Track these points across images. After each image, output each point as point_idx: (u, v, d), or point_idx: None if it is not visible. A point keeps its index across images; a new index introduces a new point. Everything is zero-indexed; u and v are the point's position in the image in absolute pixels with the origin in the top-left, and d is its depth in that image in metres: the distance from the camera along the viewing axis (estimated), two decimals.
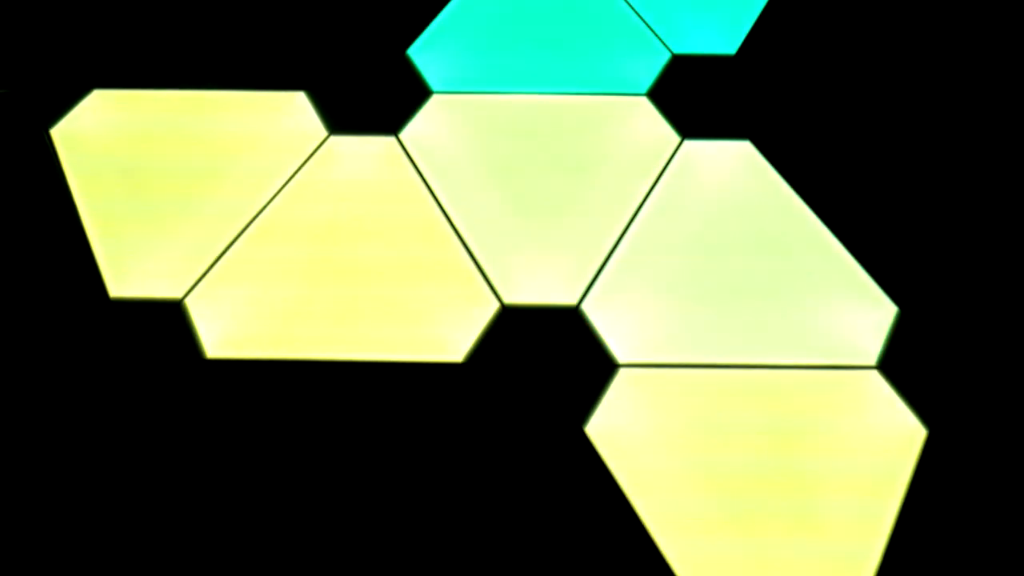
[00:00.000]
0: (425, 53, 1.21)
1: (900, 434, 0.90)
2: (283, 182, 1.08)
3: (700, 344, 0.96)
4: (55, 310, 0.99)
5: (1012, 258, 1.02)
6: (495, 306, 0.99)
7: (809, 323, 0.97)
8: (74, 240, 1.04)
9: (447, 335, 0.97)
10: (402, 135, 1.12)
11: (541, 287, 1.00)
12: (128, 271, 1.02)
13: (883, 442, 0.89)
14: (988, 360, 0.95)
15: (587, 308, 0.98)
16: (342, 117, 1.14)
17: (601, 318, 0.98)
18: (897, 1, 1.26)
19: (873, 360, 0.94)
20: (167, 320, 0.98)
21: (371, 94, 1.17)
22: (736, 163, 1.10)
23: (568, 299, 0.99)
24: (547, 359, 0.95)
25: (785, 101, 1.16)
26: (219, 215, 1.06)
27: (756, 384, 0.93)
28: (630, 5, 1.25)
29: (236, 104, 1.16)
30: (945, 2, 1.26)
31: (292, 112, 1.15)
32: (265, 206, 1.06)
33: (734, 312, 0.98)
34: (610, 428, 0.90)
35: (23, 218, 1.07)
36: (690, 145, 1.11)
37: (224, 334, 0.97)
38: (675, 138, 1.12)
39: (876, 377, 0.93)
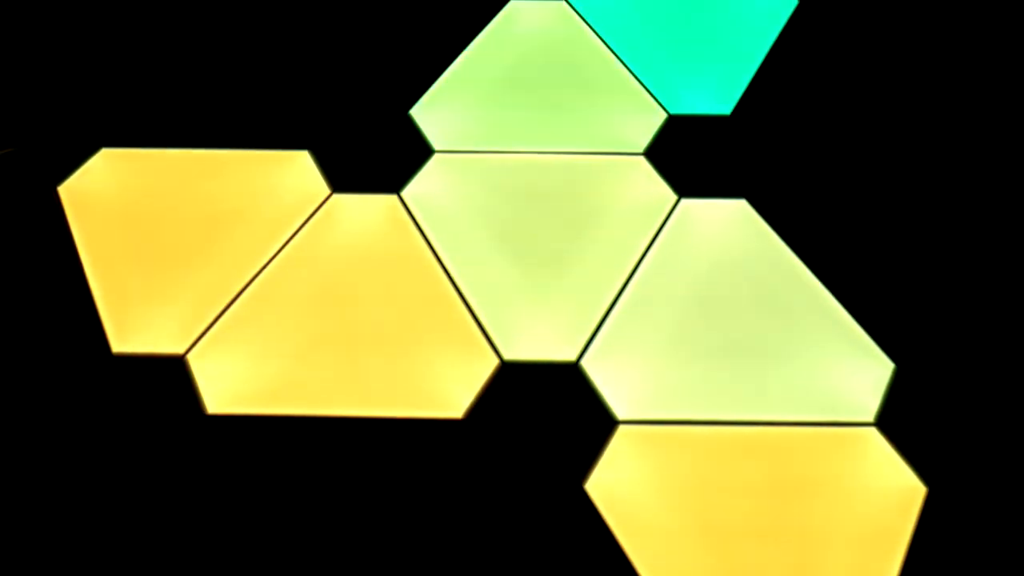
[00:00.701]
0: (427, 113, 1.23)
1: (900, 492, 0.90)
2: (286, 239, 1.10)
3: (699, 401, 0.97)
4: (58, 365, 1.00)
5: (1007, 315, 1.03)
6: (495, 362, 0.99)
7: (807, 380, 0.98)
8: (78, 296, 1.05)
9: (447, 391, 0.97)
10: (404, 193, 1.14)
11: (540, 343, 1.01)
12: (131, 327, 1.03)
13: (883, 500, 0.89)
14: (986, 416, 0.95)
15: (586, 364, 0.99)
16: (345, 176, 1.16)
17: (600, 374, 0.98)
18: (889, 62, 1.30)
19: (871, 417, 0.95)
20: (168, 376, 0.99)
21: (374, 153, 1.19)
22: (732, 221, 1.12)
23: (567, 355, 1.00)
24: (547, 415, 0.96)
25: (780, 161, 1.18)
26: (222, 272, 1.07)
27: (755, 441, 0.94)
28: (627, 67, 1.28)
29: (241, 163, 1.18)
30: (936, 63, 1.29)
31: (296, 171, 1.17)
32: (268, 263, 1.08)
33: (732, 369, 0.99)
34: (610, 485, 0.90)
35: (29, 274, 1.08)
36: (687, 203, 1.13)
37: (225, 390, 0.97)
38: (672, 197, 1.14)
39: (875, 434, 0.93)
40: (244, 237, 1.10)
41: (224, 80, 1.29)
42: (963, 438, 0.94)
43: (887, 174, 1.16)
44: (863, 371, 0.98)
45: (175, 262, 1.08)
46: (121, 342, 1.02)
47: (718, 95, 1.25)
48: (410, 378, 0.98)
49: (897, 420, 0.95)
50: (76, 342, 1.02)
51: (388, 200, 1.14)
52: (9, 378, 0.99)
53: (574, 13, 1.37)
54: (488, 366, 0.99)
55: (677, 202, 1.13)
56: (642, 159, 1.18)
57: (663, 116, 1.22)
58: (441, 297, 1.05)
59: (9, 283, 1.07)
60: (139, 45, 1.33)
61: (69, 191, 1.15)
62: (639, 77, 1.27)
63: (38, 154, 1.19)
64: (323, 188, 1.15)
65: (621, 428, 0.94)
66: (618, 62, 1.29)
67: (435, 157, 1.18)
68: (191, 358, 1.00)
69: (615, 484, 0.90)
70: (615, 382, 0.98)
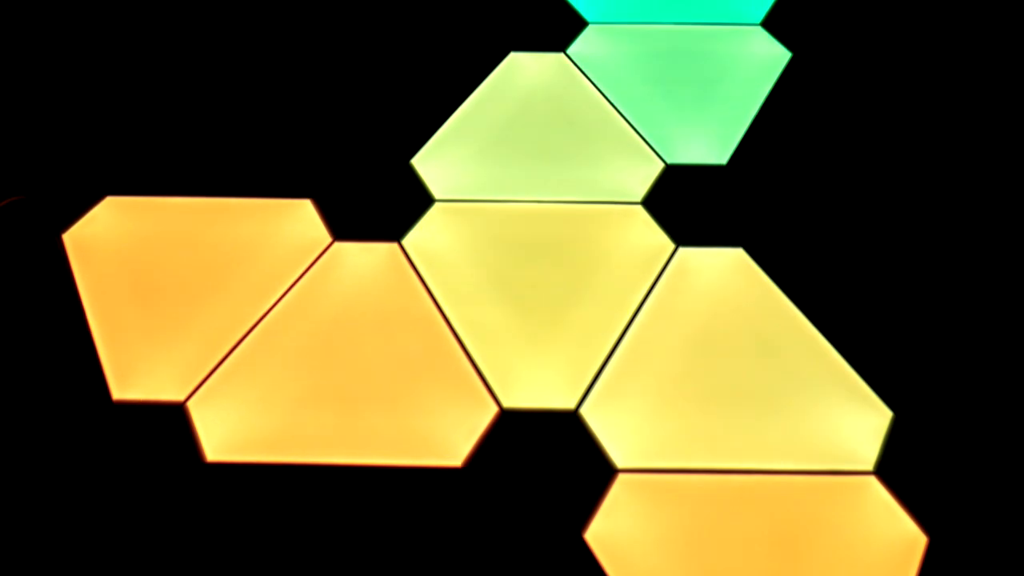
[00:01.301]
0: (428, 162, 1.25)
1: (900, 541, 0.89)
2: (287, 287, 1.11)
3: (698, 449, 0.97)
4: (58, 412, 1.00)
5: (1005, 361, 1.04)
6: (494, 410, 1.00)
7: (805, 429, 0.98)
8: (80, 343, 1.06)
9: (446, 439, 0.97)
10: (405, 241, 1.16)
11: (540, 391, 1.01)
12: (132, 374, 1.03)
13: (884, 549, 0.89)
14: (986, 464, 0.95)
15: (585, 412, 0.99)
16: (347, 224, 1.18)
17: (599, 422, 0.99)
18: (882, 113, 1.32)
19: (870, 466, 0.95)
20: (168, 423, 0.99)
21: (375, 202, 1.20)
22: (730, 269, 1.13)
23: (566, 403, 1.00)
24: (546, 463, 0.96)
25: (776, 210, 1.20)
26: (223, 319, 1.08)
27: (754, 489, 0.94)
28: (625, 119, 1.31)
29: (245, 211, 1.20)
30: (928, 114, 1.32)
31: (298, 219, 1.18)
32: (269, 310, 1.09)
33: (731, 417, 0.99)
34: (609, 534, 0.90)
35: (32, 321, 1.08)
36: (685, 252, 1.14)
37: (224, 438, 0.98)
38: (670, 245, 1.15)
39: (874, 483, 0.93)
40: (246, 285, 1.11)
41: (229, 129, 1.31)
42: (963, 486, 0.94)
43: (883, 222, 1.18)
44: (862, 419, 0.99)
45: (177, 310, 1.09)
46: (121, 389, 1.02)
47: (714, 146, 1.27)
48: (409, 426, 0.99)
49: (896, 469, 0.95)
50: (76, 390, 1.02)
51: (389, 248, 1.15)
52: (9, 424, 0.99)
53: (572, 66, 1.39)
54: (487, 414, 0.99)
55: (675, 250, 1.14)
56: (640, 208, 1.19)
57: (660, 166, 1.24)
58: (441, 344, 1.05)
59: (12, 330, 1.08)
60: (145, 94, 1.36)
61: (73, 238, 1.17)
62: (636, 128, 1.29)
63: (44, 202, 1.21)
64: (325, 236, 1.16)
65: (620, 477, 0.94)
66: (616, 113, 1.31)
67: (436, 206, 1.20)
68: (191, 405, 1.00)
69: (615, 533, 0.90)
70: (614, 430, 0.98)
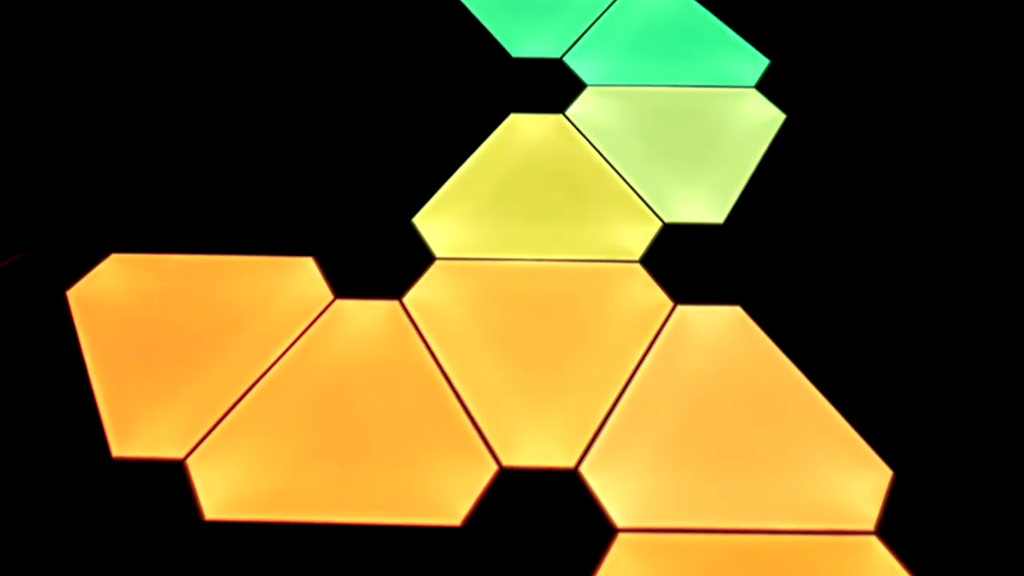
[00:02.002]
0: (429, 221, 1.27)
1: None
2: (288, 344, 1.12)
3: (698, 508, 0.96)
4: (57, 469, 1.00)
5: (1005, 420, 1.04)
6: (493, 468, 1.00)
7: (805, 487, 0.98)
8: (81, 400, 1.06)
9: (445, 498, 0.97)
10: (405, 299, 1.17)
11: (539, 449, 1.01)
12: (132, 431, 1.03)
13: None
14: (988, 523, 0.95)
15: (585, 471, 0.99)
16: (348, 281, 1.19)
17: (599, 481, 0.98)
18: (876, 172, 1.34)
19: (871, 525, 0.94)
20: (167, 481, 0.99)
21: (377, 259, 1.22)
22: (728, 328, 1.14)
23: (566, 462, 1.00)
24: (546, 522, 0.95)
25: (773, 268, 1.21)
26: (224, 376, 1.08)
27: (754, 549, 0.93)
28: (623, 178, 1.33)
29: (247, 268, 1.21)
30: (922, 173, 1.34)
31: (300, 277, 1.19)
32: (269, 368, 1.09)
33: (731, 476, 0.99)
34: None
35: (34, 378, 1.09)
36: (683, 310, 1.15)
37: (223, 495, 0.97)
38: (668, 303, 1.16)
39: (875, 543, 0.93)
40: (247, 342, 1.12)
41: (233, 187, 1.33)
42: (964, 545, 0.93)
43: (879, 280, 1.19)
44: (861, 478, 0.99)
45: (178, 366, 1.10)
46: (121, 446, 1.02)
47: (711, 205, 1.29)
48: (408, 484, 0.98)
49: (897, 528, 0.94)
50: (76, 446, 1.02)
51: (390, 305, 1.16)
52: (8, 480, 0.99)
53: (571, 126, 1.42)
54: (487, 472, 0.99)
55: (673, 308, 1.15)
56: (638, 266, 1.21)
57: (658, 225, 1.26)
58: (440, 402, 1.06)
59: (14, 387, 1.08)
60: (151, 152, 1.38)
61: (77, 295, 1.18)
62: (634, 187, 1.31)
63: (50, 259, 1.22)
64: (327, 293, 1.17)
65: (620, 536, 0.94)
66: (614, 173, 1.34)
67: (436, 264, 1.21)
68: (190, 463, 1.00)
69: None
70: (614, 489, 0.98)
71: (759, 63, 1.54)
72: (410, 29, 1.63)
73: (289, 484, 0.99)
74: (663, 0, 1.70)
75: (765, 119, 1.44)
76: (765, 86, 1.50)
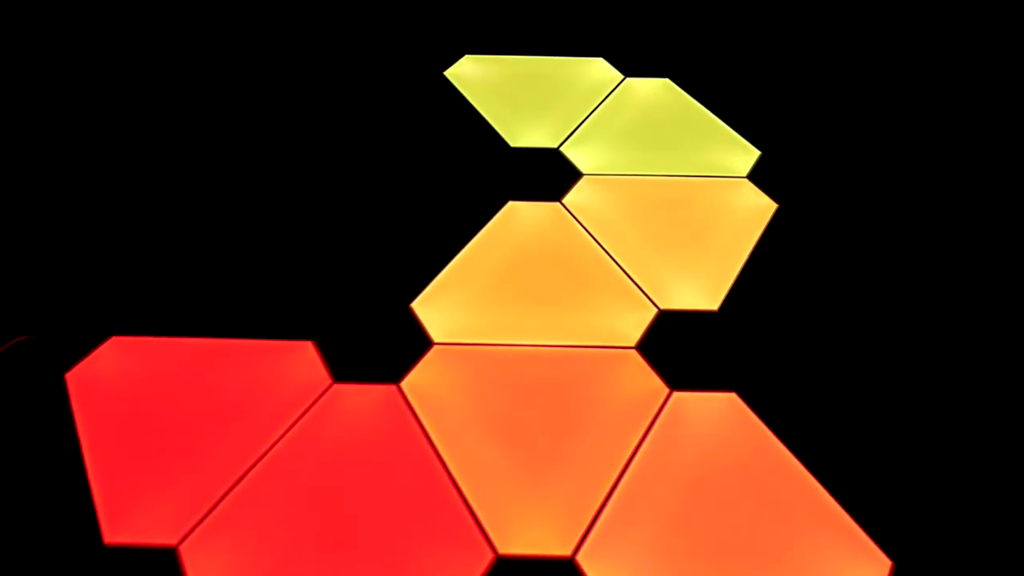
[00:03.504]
0: (428, 306, 1.29)
1: None
2: (285, 429, 1.12)
3: None
4: (48, 555, 0.99)
5: (1005, 511, 1.04)
6: (489, 556, 0.99)
7: None
8: (75, 484, 1.06)
9: None
10: (403, 384, 1.17)
11: (535, 537, 1.00)
12: (125, 516, 1.03)
13: None
14: None
15: (582, 559, 0.98)
16: (347, 366, 1.20)
17: (596, 569, 0.97)
18: (866, 259, 1.37)
19: None
20: (159, 568, 0.98)
21: (375, 344, 1.23)
22: (723, 414, 1.14)
23: (562, 550, 0.99)
24: None
25: (767, 355, 1.22)
26: (220, 461, 1.08)
27: None
28: (619, 265, 1.35)
29: (247, 352, 1.22)
30: (911, 258, 1.36)
31: (299, 361, 1.20)
32: (265, 453, 1.09)
33: (728, 565, 0.98)
34: None
35: (29, 462, 1.09)
36: (679, 396, 1.16)
37: None
38: (664, 389, 1.17)
39: None
40: (244, 426, 1.12)
41: (234, 272, 1.35)
42: None
43: (874, 366, 1.20)
44: (860, 569, 0.98)
45: (174, 451, 1.09)
46: (113, 532, 1.01)
47: (705, 292, 1.31)
48: (404, 572, 0.97)
49: None
50: (68, 532, 1.01)
51: (387, 390, 1.17)
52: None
53: (568, 214, 1.45)
54: (483, 560, 0.98)
55: (669, 395, 1.16)
56: (634, 352, 1.22)
57: (653, 311, 1.28)
58: (437, 487, 1.05)
59: (9, 471, 1.08)
60: (154, 237, 1.41)
61: (76, 378, 1.18)
62: (630, 274, 1.34)
63: (50, 341, 1.23)
64: (324, 377, 1.18)
65: None
66: (610, 260, 1.36)
67: (434, 349, 1.22)
68: (183, 549, 0.99)
69: None
70: None
71: (751, 154, 1.59)
72: (413, 119, 1.68)
73: (282, 572, 0.97)
74: (656, 93, 1.76)
75: (757, 208, 1.47)
76: (757, 176, 1.54)
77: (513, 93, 1.75)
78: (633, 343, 1.23)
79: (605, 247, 1.39)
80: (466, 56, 1.87)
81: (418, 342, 1.23)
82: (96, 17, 1.99)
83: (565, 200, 1.48)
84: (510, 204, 1.47)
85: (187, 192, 1.50)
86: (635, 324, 1.26)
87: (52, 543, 1.00)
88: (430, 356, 1.21)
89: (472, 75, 1.81)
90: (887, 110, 1.71)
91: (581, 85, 1.78)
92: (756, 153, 1.59)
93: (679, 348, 1.23)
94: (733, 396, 1.16)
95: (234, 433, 1.11)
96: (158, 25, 1.97)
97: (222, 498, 1.04)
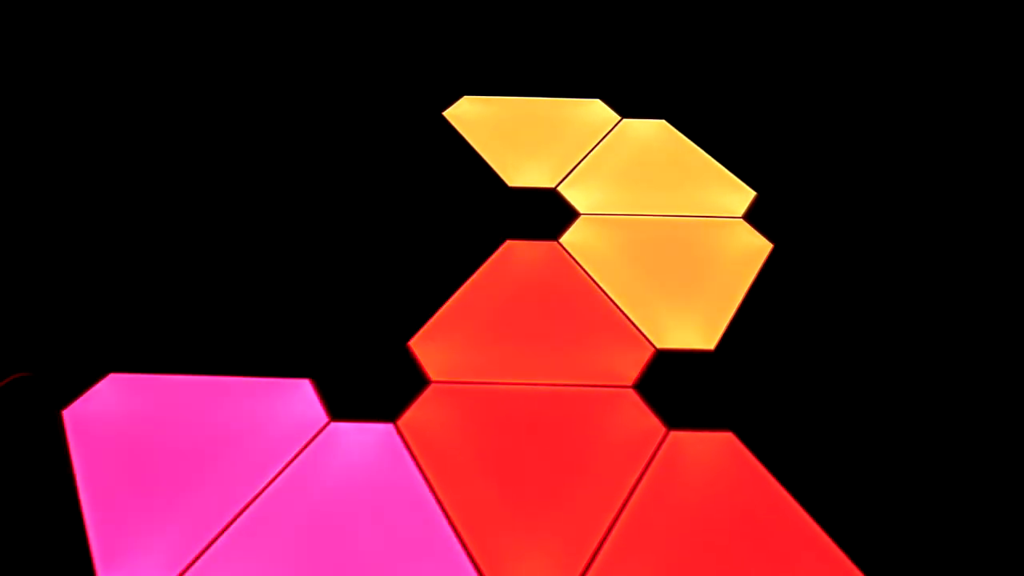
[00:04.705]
0: (425, 345, 1.29)
1: None
2: (281, 468, 1.11)
3: None
4: None
5: (1006, 548, 1.03)
6: None
7: None
8: (69, 522, 1.05)
9: None
10: (400, 422, 1.17)
11: None
12: (120, 555, 1.02)
13: None
14: None
15: None
16: (344, 404, 1.20)
17: None
18: (862, 299, 1.37)
19: None
20: None
21: (373, 383, 1.23)
22: (720, 454, 1.14)
23: None
24: None
25: (764, 394, 1.22)
26: (216, 499, 1.08)
27: None
28: (616, 304, 1.36)
29: (244, 390, 1.22)
30: (906, 297, 1.37)
31: (296, 399, 1.20)
32: (260, 492, 1.09)
33: None
34: None
35: (24, 500, 1.08)
36: (675, 436, 1.16)
37: None
38: (661, 428, 1.17)
39: None
40: (241, 465, 1.12)
41: (233, 309, 1.35)
42: None
43: (871, 406, 1.20)
44: None
45: (170, 489, 1.09)
46: (108, 571, 1.00)
47: (702, 331, 1.32)
48: None
49: None
50: (63, 570, 1.00)
51: (385, 429, 1.17)
52: None
53: (565, 253, 1.46)
54: None
55: (666, 434, 1.16)
56: (631, 391, 1.22)
57: (650, 351, 1.28)
58: (433, 528, 1.05)
59: (4, 507, 1.07)
60: (151, 274, 1.41)
61: (73, 415, 1.18)
62: (627, 314, 1.34)
63: (48, 379, 1.23)
64: (321, 416, 1.18)
65: None
66: (607, 299, 1.37)
67: (432, 387, 1.22)
68: None
69: None
70: None
71: (746, 195, 1.61)
72: (413, 158, 1.70)
73: None
74: (652, 134, 1.78)
75: (753, 248, 1.48)
76: (752, 217, 1.55)
77: (511, 133, 1.78)
78: (630, 382, 1.23)
79: (602, 286, 1.40)
80: (465, 97, 1.90)
81: (416, 380, 1.24)
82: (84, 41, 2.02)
83: (562, 239, 1.49)
84: (508, 243, 1.49)
85: (187, 230, 1.51)
86: (632, 363, 1.26)
87: None
88: (427, 394, 1.21)
89: (471, 115, 1.84)
90: (881, 152, 1.74)
91: (578, 126, 1.80)
92: (752, 194, 1.61)
93: (676, 387, 1.23)
94: (730, 435, 1.16)
95: (231, 470, 1.11)
96: (159, 67, 2.00)
97: (218, 536, 1.04)
